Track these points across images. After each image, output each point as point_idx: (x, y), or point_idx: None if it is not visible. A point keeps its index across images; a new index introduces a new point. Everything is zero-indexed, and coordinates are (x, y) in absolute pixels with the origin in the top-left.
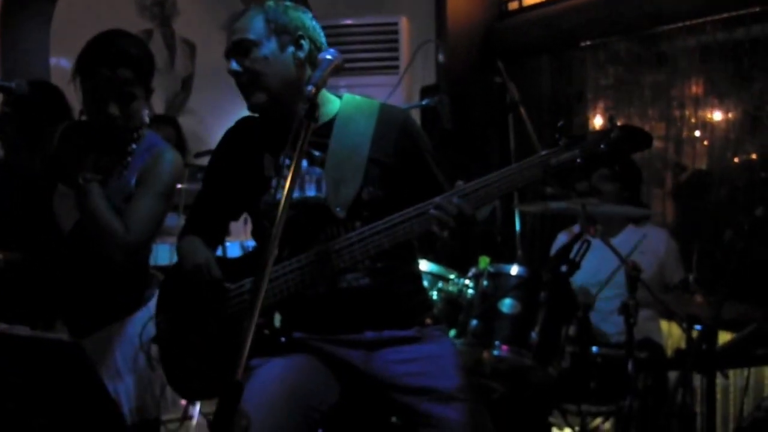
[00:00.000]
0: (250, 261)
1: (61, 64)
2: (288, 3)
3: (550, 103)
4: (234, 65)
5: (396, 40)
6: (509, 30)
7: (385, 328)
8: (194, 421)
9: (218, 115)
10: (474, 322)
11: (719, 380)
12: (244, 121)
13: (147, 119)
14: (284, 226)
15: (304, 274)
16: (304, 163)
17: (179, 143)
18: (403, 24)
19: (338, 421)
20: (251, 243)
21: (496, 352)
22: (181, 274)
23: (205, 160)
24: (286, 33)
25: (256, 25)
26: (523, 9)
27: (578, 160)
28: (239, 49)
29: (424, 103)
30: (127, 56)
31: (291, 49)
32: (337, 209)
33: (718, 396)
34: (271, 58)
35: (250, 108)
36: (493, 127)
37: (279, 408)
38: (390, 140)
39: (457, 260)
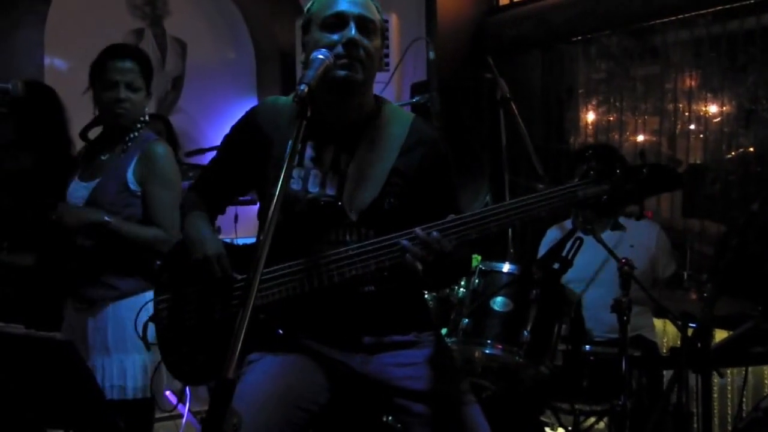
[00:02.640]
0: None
1: (55, 63)
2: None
3: (542, 98)
4: (357, 33)
5: (386, 38)
6: (500, 25)
7: (385, 333)
8: (183, 420)
9: (208, 114)
10: (465, 320)
11: (717, 379)
12: (273, 103)
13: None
14: (296, 222)
15: (308, 277)
16: (328, 160)
17: (170, 139)
18: (393, 21)
19: (332, 421)
20: (241, 240)
21: (487, 351)
22: (189, 259)
23: (196, 159)
24: (384, 38)
25: (377, 16)
26: (513, 4)
27: (604, 197)
28: (365, 25)
29: (414, 100)
30: None
31: (380, 54)
32: (351, 212)
33: (716, 395)
34: (379, 51)
35: (342, 81)
36: (484, 122)
37: (269, 408)
38: (418, 155)
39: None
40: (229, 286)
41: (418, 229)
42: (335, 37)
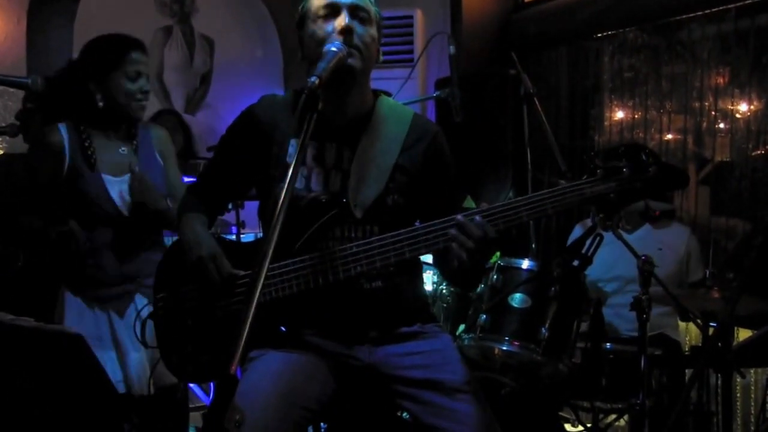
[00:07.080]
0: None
1: None
2: None
3: (567, 94)
4: (349, 20)
5: (411, 33)
6: (525, 21)
7: (392, 326)
8: None
9: (236, 111)
10: (483, 316)
11: (740, 379)
12: (270, 100)
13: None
14: (300, 219)
15: (313, 274)
16: (331, 159)
17: (185, 133)
18: (418, 17)
19: (342, 416)
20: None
21: (505, 347)
22: (187, 260)
23: None
24: (381, 32)
25: (372, 7)
26: (538, 0)
27: (612, 195)
28: (358, 14)
29: (434, 95)
30: None
31: (377, 46)
32: (356, 209)
33: (739, 395)
34: (375, 43)
35: (342, 69)
36: (508, 118)
37: (272, 406)
38: (420, 150)
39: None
40: (229, 284)
41: (459, 216)
42: (329, 27)
